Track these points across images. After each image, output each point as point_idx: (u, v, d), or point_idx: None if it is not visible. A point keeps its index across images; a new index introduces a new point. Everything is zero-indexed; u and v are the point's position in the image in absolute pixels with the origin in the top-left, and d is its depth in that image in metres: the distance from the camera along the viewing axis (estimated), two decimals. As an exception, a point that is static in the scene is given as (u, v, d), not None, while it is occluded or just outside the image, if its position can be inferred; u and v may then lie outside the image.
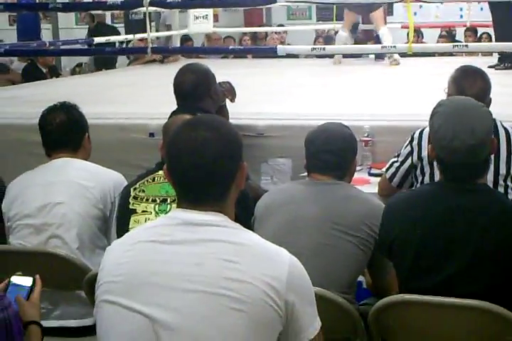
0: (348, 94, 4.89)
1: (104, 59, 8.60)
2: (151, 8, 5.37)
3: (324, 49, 4.44)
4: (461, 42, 9.23)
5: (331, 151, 2.44)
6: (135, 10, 7.18)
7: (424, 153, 2.82)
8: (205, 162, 1.61)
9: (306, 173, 2.58)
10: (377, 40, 6.85)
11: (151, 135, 3.83)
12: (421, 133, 2.89)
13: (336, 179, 2.44)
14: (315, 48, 4.65)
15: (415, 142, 2.90)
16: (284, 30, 9.23)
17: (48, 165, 2.82)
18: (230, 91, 3.58)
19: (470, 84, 2.83)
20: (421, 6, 9.50)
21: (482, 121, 2.14)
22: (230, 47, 6.29)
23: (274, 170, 3.72)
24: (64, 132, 2.83)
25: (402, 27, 8.34)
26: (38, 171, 2.81)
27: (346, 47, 5.84)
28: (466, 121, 2.11)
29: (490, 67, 5.71)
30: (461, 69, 2.96)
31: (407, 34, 9.31)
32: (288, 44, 9.09)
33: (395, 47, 4.52)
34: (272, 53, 4.91)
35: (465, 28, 8.73)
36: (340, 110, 4.09)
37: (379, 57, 6.87)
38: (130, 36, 7.52)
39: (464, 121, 2.11)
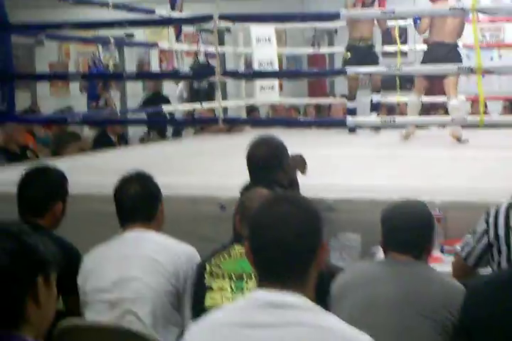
0: (416, 166, 4.86)
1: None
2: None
3: (394, 120, 4.43)
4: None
5: (409, 230, 2.42)
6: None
7: (501, 232, 2.77)
8: (287, 238, 1.62)
9: (376, 250, 2.56)
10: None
11: (222, 207, 3.84)
12: (497, 210, 2.84)
13: (413, 258, 2.42)
14: (385, 120, 4.65)
15: (491, 220, 2.85)
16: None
17: (122, 237, 2.84)
18: (301, 164, 3.60)
19: None
20: (483, 75, 9.45)
21: None
22: (300, 118, 6.33)
23: (344, 245, 3.67)
24: (139, 203, 2.86)
25: (466, 99, 8.30)
26: (112, 244, 2.84)
27: (416, 118, 5.78)
28: None
29: None
30: None
31: (471, 105, 9.33)
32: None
33: (465, 119, 4.48)
34: (341, 125, 4.92)
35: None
36: (410, 183, 4.07)
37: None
38: (197, 105, 7.68)
39: None
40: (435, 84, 6.85)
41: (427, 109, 9.35)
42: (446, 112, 8.57)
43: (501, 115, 8.20)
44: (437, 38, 6.31)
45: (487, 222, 2.85)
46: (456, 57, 6.22)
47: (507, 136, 6.01)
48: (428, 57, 6.32)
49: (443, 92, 6.55)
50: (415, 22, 6.48)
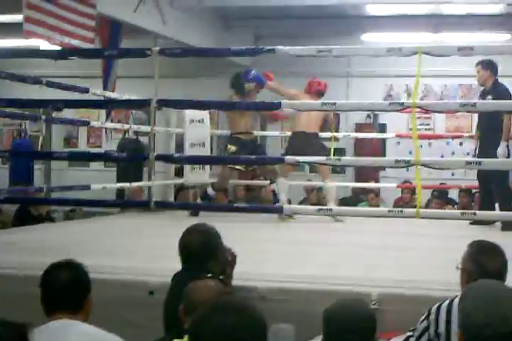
0: (351, 254, 4.84)
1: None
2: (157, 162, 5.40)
3: (331, 210, 4.42)
4: (455, 201, 9.38)
5: (353, 331, 2.35)
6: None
7: (441, 329, 2.73)
8: None
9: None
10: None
11: (151, 293, 3.74)
12: (438, 307, 2.81)
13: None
14: (321, 209, 4.63)
15: (432, 317, 2.81)
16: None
17: (47, 328, 2.68)
18: (230, 261, 3.55)
19: (490, 260, 2.81)
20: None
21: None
22: (235, 205, 6.27)
23: (277, 337, 3.56)
24: (67, 293, 2.75)
25: (398, 186, 8.48)
26: (35, 334, 2.66)
27: (354, 209, 5.86)
28: (498, 307, 2.04)
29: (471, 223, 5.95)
30: (476, 245, 2.96)
31: (401, 192, 9.52)
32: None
33: (401, 211, 4.51)
34: (277, 211, 4.87)
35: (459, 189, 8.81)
36: (344, 273, 4.02)
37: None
38: (126, 184, 7.56)
39: (495, 307, 2.04)
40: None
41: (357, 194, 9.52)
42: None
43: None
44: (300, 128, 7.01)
45: (428, 320, 2.81)
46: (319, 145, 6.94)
47: (432, 224, 6.07)
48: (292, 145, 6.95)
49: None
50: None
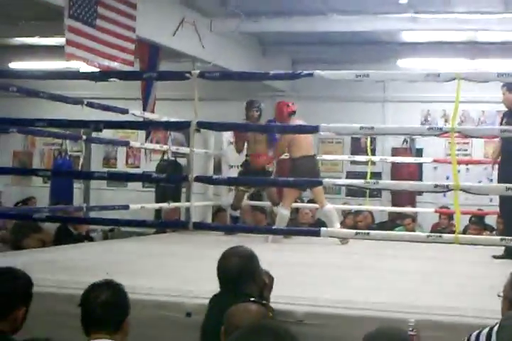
0: (389, 279, 4.81)
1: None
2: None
3: (368, 234, 4.43)
4: (492, 227, 9.24)
5: None
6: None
7: (480, 357, 2.70)
8: None
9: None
10: None
11: (188, 315, 3.75)
12: (478, 336, 2.77)
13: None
14: (359, 233, 4.63)
15: (471, 345, 2.78)
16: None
17: (84, 347, 2.73)
18: (267, 283, 3.56)
19: None
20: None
21: None
22: (274, 227, 6.29)
23: (314, 360, 3.56)
24: (107, 312, 2.78)
25: (435, 211, 8.38)
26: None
27: (393, 233, 5.84)
28: None
29: (495, 257, 5.84)
30: None
31: (439, 217, 9.44)
32: (318, 218, 9.17)
33: (440, 236, 4.49)
34: (314, 235, 4.87)
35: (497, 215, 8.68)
36: (382, 298, 4.00)
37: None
38: (165, 204, 7.63)
39: None
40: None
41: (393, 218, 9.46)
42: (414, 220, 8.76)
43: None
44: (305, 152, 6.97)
45: (466, 348, 2.78)
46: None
47: (470, 250, 6.01)
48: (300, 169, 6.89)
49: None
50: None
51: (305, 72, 5.18)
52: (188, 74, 5.23)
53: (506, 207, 5.70)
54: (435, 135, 5.06)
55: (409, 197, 10.25)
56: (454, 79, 4.84)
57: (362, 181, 4.92)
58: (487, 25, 8.92)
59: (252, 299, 3.05)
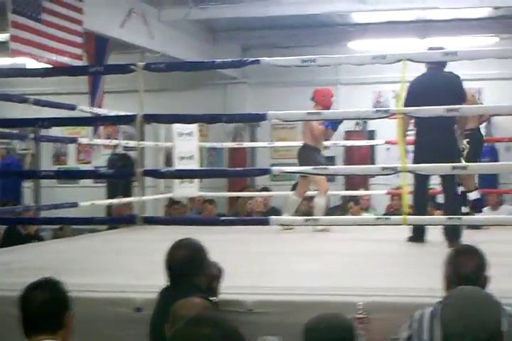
0: (338, 264, 4.82)
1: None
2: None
3: (318, 220, 4.41)
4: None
5: None
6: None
7: (425, 337, 2.71)
8: None
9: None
10: None
11: (138, 310, 3.70)
12: (422, 315, 2.79)
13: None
14: (309, 219, 4.62)
15: (415, 325, 2.79)
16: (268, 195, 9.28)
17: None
18: (216, 276, 3.54)
19: (463, 264, 2.86)
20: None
21: (492, 314, 2.10)
22: (222, 218, 6.25)
23: (264, 349, 3.54)
24: (44, 313, 2.70)
25: (387, 193, 8.41)
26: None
27: (342, 218, 5.84)
28: (476, 315, 2.07)
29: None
30: (455, 249, 3.04)
31: (391, 199, 9.50)
32: (273, 207, 9.15)
33: (388, 218, 4.50)
34: (263, 224, 4.85)
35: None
36: (331, 283, 4.00)
37: None
38: (115, 200, 7.54)
39: (474, 315, 2.06)
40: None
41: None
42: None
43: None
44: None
45: (411, 328, 2.79)
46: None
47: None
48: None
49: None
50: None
51: (251, 59, 5.14)
52: (133, 67, 5.17)
53: (447, 184, 5.63)
54: (382, 117, 5.07)
55: (362, 180, 10.28)
56: (399, 60, 4.85)
57: (310, 167, 4.90)
58: (435, 3, 8.96)
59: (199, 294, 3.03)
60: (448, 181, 5.47)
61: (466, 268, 2.85)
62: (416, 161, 5.45)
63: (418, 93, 5.50)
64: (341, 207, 9.56)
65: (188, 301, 2.77)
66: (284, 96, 10.80)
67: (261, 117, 5.07)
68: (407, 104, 5.41)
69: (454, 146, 5.59)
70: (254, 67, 5.36)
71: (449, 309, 2.17)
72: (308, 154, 6.77)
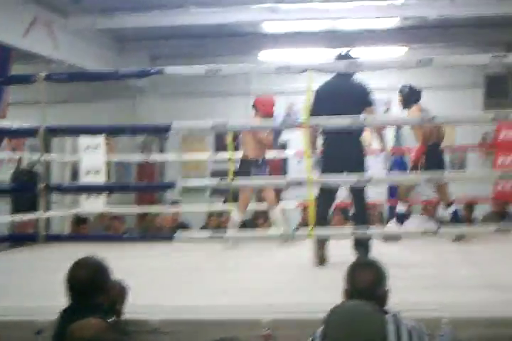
0: (245, 281, 4.75)
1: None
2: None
3: (224, 235, 4.35)
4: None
5: None
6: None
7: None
8: None
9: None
10: None
11: (39, 332, 3.58)
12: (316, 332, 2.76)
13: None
14: (213, 236, 4.56)
15: (317, 341, 2.75)
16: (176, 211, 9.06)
17: None
18: (120, 294, 3.44)
19: (359, 278, 2.84)
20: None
21: (376, 330, 2.16)
22: (125, 236, 6.10)
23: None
24: None
25: (298, 206, 8.42)
26: None
27: (250, 233, 5.87)
28: (358, 331, 2.14)
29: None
30: (353, 263, 2.99)
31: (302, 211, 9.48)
32: (182, 222, 9.01)
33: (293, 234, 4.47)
34: (168, 240, 4.73)
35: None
36: (235, 301, 3.96)
37: None
38: (16, 217, 7.28)
39: (357, 332, 2.14)
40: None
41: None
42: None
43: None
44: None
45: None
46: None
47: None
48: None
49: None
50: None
51: (155, 68, 5.04)
52: (34, 78, 5.01)
53: (355, 196, 5.63)
54: (289, 128, 5.05)
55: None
56: (305, 70, 4.84)
57: (214, 182, 4.82)
58: (345, 14, 9.05)
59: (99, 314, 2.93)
60: (356, 193, 5.44)
61: (361, 282, 2.83)
62: (323, 172, 5.41)
63: (323, 100, 5.50)
64: (250, 223, 9.32)
65: (84, 322, 2.71)
66: (194, 106, 10.69)
67: (165, 128, 4.93)
68: (312, 111, 5.39)
69: (360, 157, 5.51)
70: (163, 77, 5.25)
71: (334, 315, 2.20)
72: (245, 171, 6.74)
